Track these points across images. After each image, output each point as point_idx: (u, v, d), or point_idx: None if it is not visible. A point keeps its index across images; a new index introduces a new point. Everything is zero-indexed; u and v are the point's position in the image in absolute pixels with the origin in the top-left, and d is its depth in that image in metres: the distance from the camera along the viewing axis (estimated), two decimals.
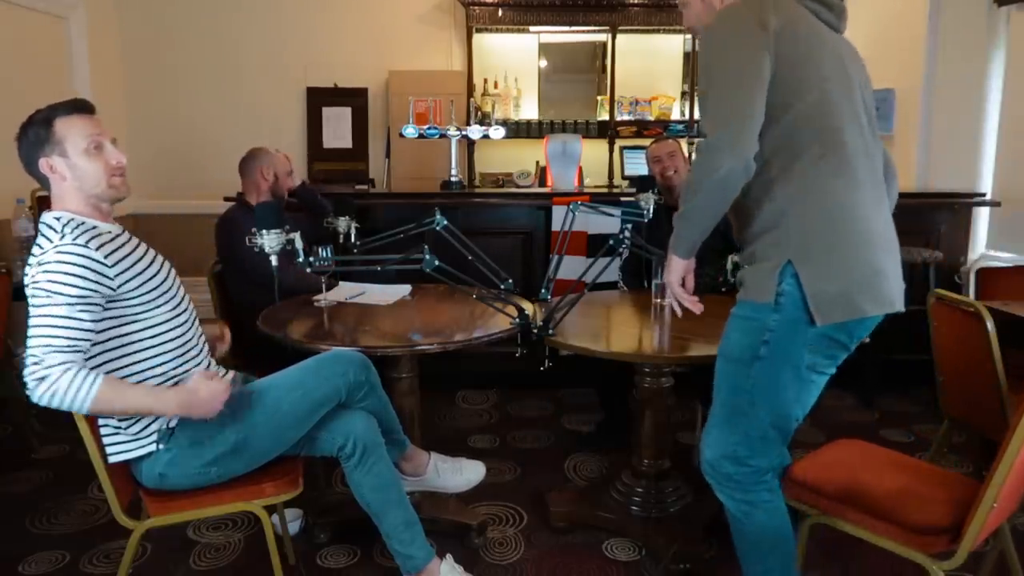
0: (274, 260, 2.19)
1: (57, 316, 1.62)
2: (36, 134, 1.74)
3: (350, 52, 5.40)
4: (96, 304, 1.68)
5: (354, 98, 5.41)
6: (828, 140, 1.67)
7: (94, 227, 1.76)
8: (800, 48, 1.67)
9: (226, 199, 3.23)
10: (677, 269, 1.82)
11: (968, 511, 1.60)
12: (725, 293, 2.45)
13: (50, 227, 1.73)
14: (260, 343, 2.28)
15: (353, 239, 2.80)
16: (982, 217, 4.13)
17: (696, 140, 1.70)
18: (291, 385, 1.91)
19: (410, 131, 3.89)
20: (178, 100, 5.38)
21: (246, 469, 1.88)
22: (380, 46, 5.41)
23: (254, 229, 2.19)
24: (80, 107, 1.79)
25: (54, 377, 1.60)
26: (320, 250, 2.36)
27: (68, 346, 1.62)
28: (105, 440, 1.81)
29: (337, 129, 5.43)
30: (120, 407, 1.70)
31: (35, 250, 1.72)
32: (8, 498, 2.78)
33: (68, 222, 1.73)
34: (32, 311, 1.65)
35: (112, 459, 1.81)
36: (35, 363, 1.61)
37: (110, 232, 1.80)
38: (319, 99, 5.42)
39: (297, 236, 2.22)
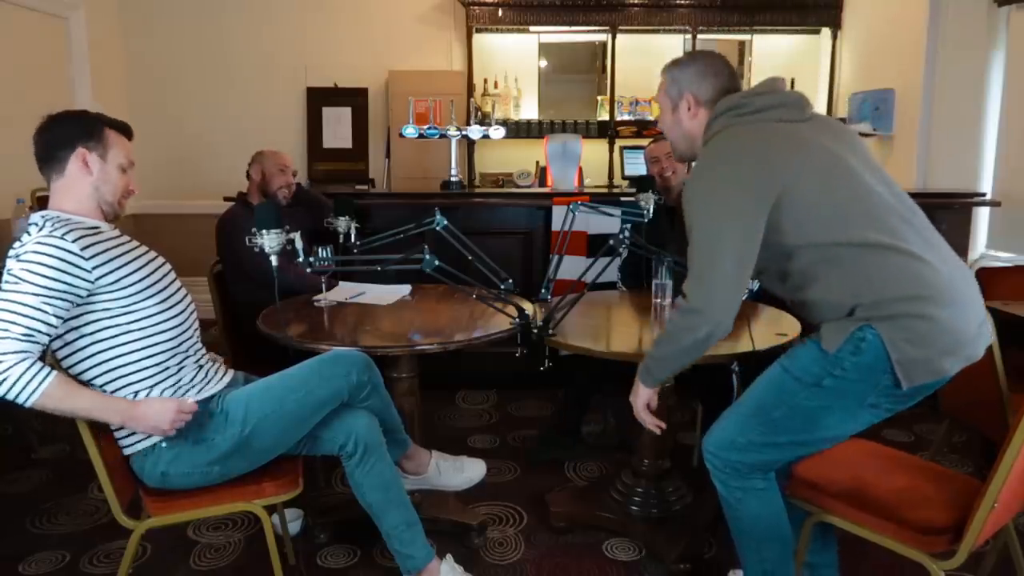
0: (274, 260, 2.19)
1: (21, 304, 1.62)
2: (88, 128, 1.81)
3: (350, 52, 5.40)
4: (65, 299, 1.67)
5: (354, 98, 5.41)
6: (862, 225, 1.64)
7: (80, 223, 1.77)
8: (794, 175, 1.65)
9: (226, 199, 3.23)
10: (643, 396, 1.89)
11: (969, 511, 1.60)
12: None
13: (34, 224, 1.75)
14: (260, 343, 2.27)
15: (353, 239, 2.79)
16: (982, 217, 4.13)
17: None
18: (294, 385, 1.91)
19: (410, 131, 3.89)
20: (178, 100, 5.39)
21: (248, 468, 1.89)
22: (380, 46, 5.41)
23: (254, 229, 2.19)
24: (128, 130, 1.90)
25: (7, 364, 1.59)
26: (320, 250, 2.36)
27: (24, 335, 1.62)
28: (118, 434, 1.82)
29: (337, 129, 5.43)
30: (66, 407, 1.67)
31: (15, 244, 1.73)
32: (8, 498, 2.78)
33: (52, 219, 1.75)
34: (0, 296, 1.65)
35: (127, 451, 1.82)
36: None
37: (99, 228, 1.82)
38: (319, 99, 5.42)
39: (297, 236, 2.22)
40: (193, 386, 1.88)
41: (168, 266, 1.97)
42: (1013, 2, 4.03)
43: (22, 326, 1.61)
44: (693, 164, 1.82)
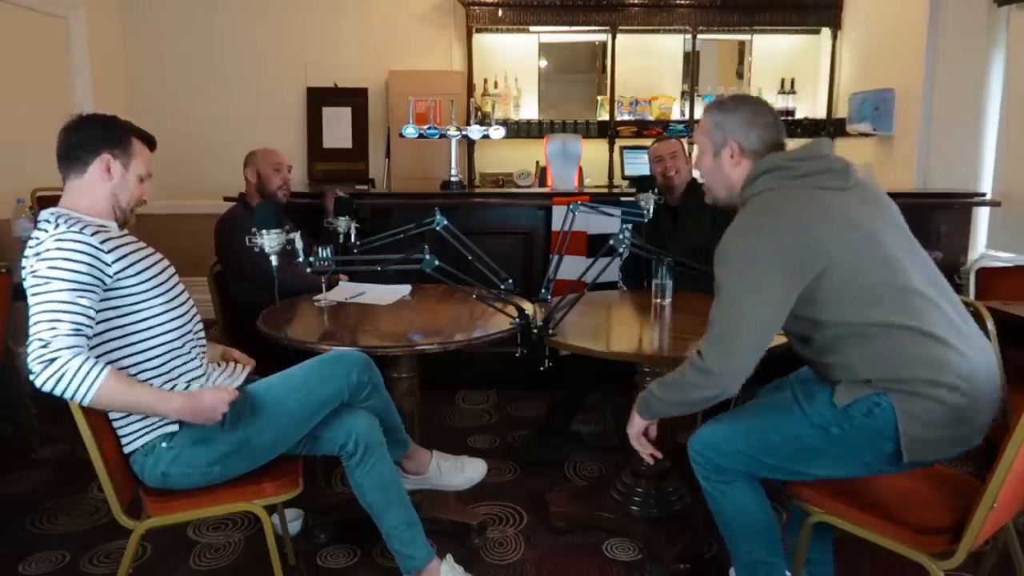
0: (274, 260, 2.19)
1: (58, 301, 1.63)
2: (116, 135, 1.84)
3: (350, 52, 5.40)
4: (94, 291, 1.69)
5: (354, 98, 5.41)
6: (894, 308, 1.64)
7: (91, 221, 1.79)
8: (833, 256, 1.63)
9: (226, 199, 3.23)
10: (639, 425, 1.91)
11: (968, 511, 1.60)
12: None
13: (45, 221, 1.75)
14: (260, 343, 2.27)
15: (353, 239, 2.80)
16: (982, 217, 4.13)
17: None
18: (295, 385, 1.91)
19: (410, 131, 3.89)
20: (178, 100, 5.39)
21: (248, 468, 1.89)
22: (380, 46, 5.41)
23: (254, 229, 2.19)
24: (153, 142, 1.94)
25: (63, 360, 1.58)
26: (320, 250, 2.36)
27: (74, 330, 1.62)
28: (121, 431, 1.82)
29: (337, 129, 5.43)
30: (123, 401, 1.69)
31: (31, 243, 1.74)
32: (8, 498, 2.78)
33: (62, 216, 1.75)
34: (32, 299, 1.65)
35: (128, 447, 1.83)
36: (42, 346, 1.59)
37: (109, 227, 1.83)
38: (319, 99, 5.42)
39: (297, 236, 2.22)
40: (192, 388, 1.87)
41: (172, 267, 1.97)
42: (1013, 2, 4.03)
43: (67, 322, 1.62)
44: (734, 219, 1.77)
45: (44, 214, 1.78)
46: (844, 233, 1.65)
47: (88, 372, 1.60)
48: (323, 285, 2.57)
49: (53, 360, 1.58)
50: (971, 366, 1.63)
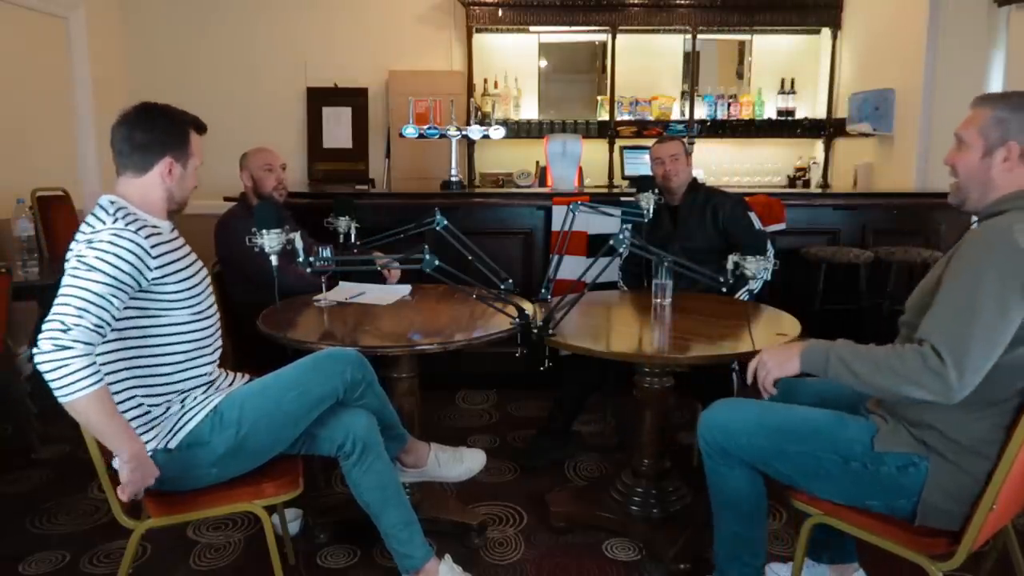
0: (274, 260, 2.19)
1: (94, 292, 1.62)
2: (178, 134, 1.85)
3: (350, 52, 5.40)
4: (127, 292, 1.70)
5: (354, 98, 5.41)
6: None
7: (146, 219, 1.81)
8: None
9: (226, 199, 3.23)
10: (790, 369, 1.71)
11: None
12: (725, 293, 2.45)
13: (103, 209, 1.77)
14: (260, 343, 2.27)
15: (353, 239, 2.80)
16: None
17: (924, 346, 1.56)
18: (289, 384, 1.91)
19: (410, 131, 3.89)
20: (178, 100, 5.28)
21: (246, 469, 1.88)
22: (380, 46, 5.41)
23: (254, 229, 2.18)
24: (203, 129, 1.94)
25: (73, 353, 1.56)
26: (320, 250, 2.36)
27: (96, 326, 1.60)
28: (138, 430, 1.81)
29: (337, 129, 5.43)
30: (93, 420, 1.62)
31: (84, 228, 1.75)
32: (8, 498, 2.78)
33: (121, 208, 1.77)
34: (68, 280, 1.63)
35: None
36: (61, 329, 1.56)
37: (160, 228, 1.85)
38: (319, 99, 5.42)
39: (297, 236, 2.22)
40: (196, 400, 1.87)
41: (206, 274, 1.99)
42: (1013, 2, 4.03)
43: (94, 315, 1.61)
44: (984, 220, 1.63)
45: (104, 201, 1.79)
46: None
47: (84, 377, 1.56)
48: (323, 285, 2.57)
49: (65, 348, 1.55)
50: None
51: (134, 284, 1.71)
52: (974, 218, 1.75)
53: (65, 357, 1.56)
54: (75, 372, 1.56)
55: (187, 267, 1.88)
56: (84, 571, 2.31)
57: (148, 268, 1.73)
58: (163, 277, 1.77)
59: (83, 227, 1.76)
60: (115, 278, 1.66)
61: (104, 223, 1.73)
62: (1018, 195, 1.62)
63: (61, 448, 3.17)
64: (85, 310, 1.60)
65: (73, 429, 1.74)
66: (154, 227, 1.81)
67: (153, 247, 1.75)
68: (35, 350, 1.57)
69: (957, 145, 1.71)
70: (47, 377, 1.56)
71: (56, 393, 1.58)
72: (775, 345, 1.78)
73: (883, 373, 1.58)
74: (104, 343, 1.69)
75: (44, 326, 1.58)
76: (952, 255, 1.64)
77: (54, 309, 1.60)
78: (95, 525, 2.57)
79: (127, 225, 1.72)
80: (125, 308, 1.72)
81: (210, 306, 1.95)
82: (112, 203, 1.79)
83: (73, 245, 1.74)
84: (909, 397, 1.57)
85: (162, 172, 1.84)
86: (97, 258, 1.66)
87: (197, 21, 5.34)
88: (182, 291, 1.82)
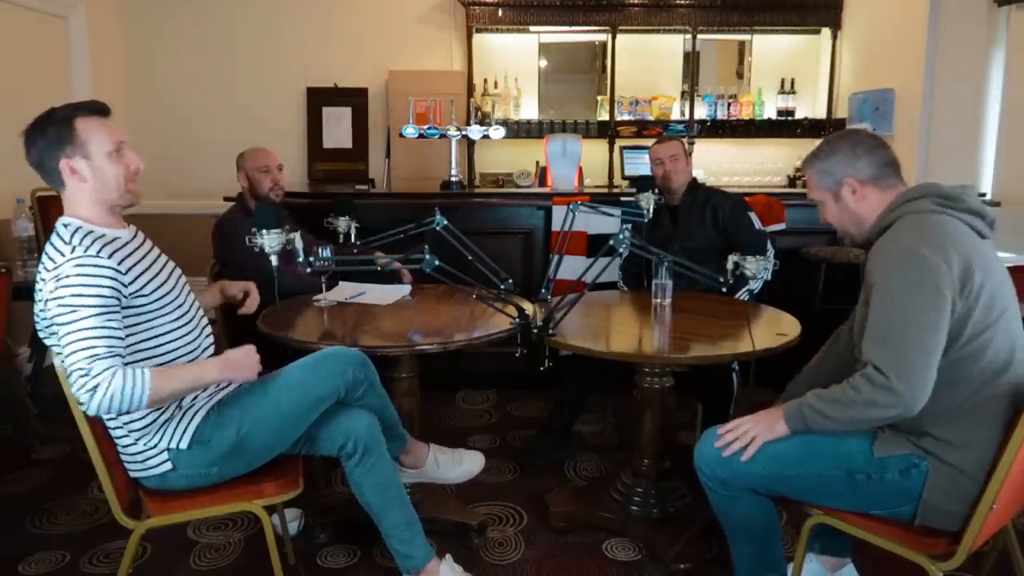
0: (274, 260, 2.19)
1: (88, 328, 1.61)
2: (58, 133, 1.71)
3: (350, 52, 5.40)
4: (118, 311, 1.68)
5: (354, 98, 5.41)
6: (999, 370, 1.63)
7: (103, 235, 1.74)
8: (978, 286, 1.60)
9: (226, 199, 3.23)
10: (778, 434, 1.74)
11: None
12: (725, 293, 2.45)
13: (59, 236, 1.70)
14: (260, 343, 2.27)
15: (353, 239, 2.79)
16: None
17: (868, 367, 1.63)
18: (290, 384, 1.91)
19: (410, 131, 3.89)
20: (178, 100, 5.39)
21: (247, 469, 1.88)
22: (380, 46, 5.41)
23: (253, 229, 2.18)
24: (100, 109, 1.78)
25: (107, 383, 1.58)
26: (320, 250, 2.36)
27: (108, 352, 1.62)
28: (128, 463, 1.84)
29: (337, 129, 5.43)
30: (173, 388, 1.70)
31: (46, 261, 1.69)
32: (8, 498, 2.78)
33: (77, 230, 1.71)
34: (62, 328, 1.62)
35: (135, 474, 1.85)
36: (82, 376, 1.59)
37: (120, 239, 1.79)
38: (319, 99, 5.42)
39: (297, 236, 2.22)
40: (198, 399, 1.87)
41: (179, 274, 1.95)
42: (1013, 2, 4.03)
43: (102, 346, 1.61)
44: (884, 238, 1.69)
45: (58, 225, 1.73)
46: (994, 277, 1.64)
47: (134, 383, 1.61)
48: (323, 285, 2.57)
49: (96, 387, 1.58)
50: None
51: (118, 301, 1.69)
52: None
53: (103, 393, 1.58)
54: (123, 389, 1.60)
55: (158, 273, 1.83)
56: (84, 571, 2.31)
57: (123, 284, 1.70)
58: (138, 290, 1.74)
59: (44, 260, 1.69)
60: (100, 306, 1.63)
61: (63, 254, 1.66)
62: (890, 208, 1.74)
63: (61, 448, 3.17)
64: (91, 348, 1.60)
65: (73, 429, 1.74)
66: (114, 239, 1.76)
67: (120, 263, 1.70)
68: (80, 406, 1.62)
69: (819, 207, 1.87)
70: (113, 412, 1.65)
71: (134, 411, 1.69)
72: (754, 416, 1.80)
73: (846, 407, 1.65)
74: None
75: (70, 380, 1.61)
76: (866, 277, 1.71)
77: (67, 361, 1.61)
78: (95, 525, 2.57)
79: (86, 251, 1.65)
80: None
81: (191, 305, 1.92)
82: (66, 226, 1.71)
83: (40, 282, 1.68)
84: (877, 419, 1.64)
85: (69, 176, 1.72)
86: (74, 296, 1.62)
87: (197, 21, 5.34)
88: (158, 299, 1.80)
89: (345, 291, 2.72)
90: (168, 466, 1.81)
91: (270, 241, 2.16)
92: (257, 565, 2.30)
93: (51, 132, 1.71)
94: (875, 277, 1.65)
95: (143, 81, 5.30)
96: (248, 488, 1.88)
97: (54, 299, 1.63)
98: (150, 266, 1.82)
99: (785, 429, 1.74)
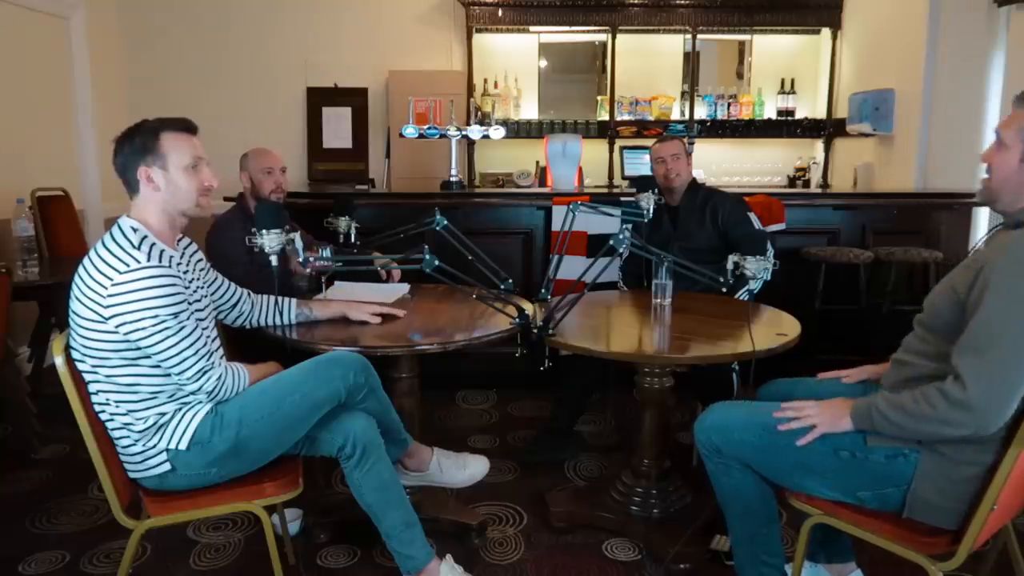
0: (274, 260, 2.19)
1: (179, 340, 1.74)
2: (143, 143, 1.81)
3: (350, 52, 5.40)
4: (187, 310, 1.77)
5: (354, 98, 5.41)
6: None
7: (163, 249, 1.81)
8: None
9: (226, 199, 3.22)
10: (843, 428, 1.70)
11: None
12: (725, 293, 2.45)
13: (128, 240, 1.76)
14: (259, 343, 2.27)
15: (353, 239, 2.79)
16: (982, 217, 4.13)
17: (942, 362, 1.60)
18: (291, 386, 1.90)
19: (410, 131, 3.89)
20: (178, 100, 5.38)
21: (246, 470, 1.88)
22: (380, 46, 5.41)
23: (253, 230, 2.18)
24: (187, 126, 1.88)
25: (215, 389, 1.82)
26: (320, 250, 2.35)
27: (205, 355, 1.79)
28: (127, 464, 1.85)
29: (337, 129, 5.43)
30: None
31: (110, 259, 1.72)
32: (8, 498, 2.78)
33: (145, 238, 1.78)
34: (156, 342, 1.72)
35: (134, 475, 1.86)
36: (196, 390, 1.81)
37: (174, 257, 1.85)
38: (319, 99, 5.42)
39: (297, 236, 2.22)
40: (199, 399, 1.87)
41: (211, 280, 2.08)
42: (1013, 2, 4.03)
43: (196, 355, 1.77)
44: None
45: (126, 227, 1.78)
46: None
47: (236, 380, 1.86)
48: (323, 285, 2.57)
49: (212, 392, 1.82)
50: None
51: (186, 299, 1.78)
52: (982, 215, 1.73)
53: (216, 391, 1.83)
54: (231, 388, 1.85)
55: (200, 288, 1.94)
56: (84, 571, 2.31)
57: (185, 287, 1.80)
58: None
59: (108, 256, 1.73)
60: (176, 314, 1.73)
61: (138, 261, 1.71)
62: None
63: (61, 448, 3.17)
64: (189, 359, 1.77)
65: (73, 429, 1.74)
66: (171, 256, 1.82)
67: (183, 274, 1.82)
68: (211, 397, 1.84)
69: (996, 143, 1.62)
70: (223, 395, 1.85)
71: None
72: (820, 403, 1.76)
73: (917, 421, 1.58)
74: (119, 366, 1.75)
75: (186, 387, 1.81)
76: (985, 264, 1.55)
77: (173, 369, 1.77)
78: (95, 525, 2.57)
79: (150, 261, 1.72)
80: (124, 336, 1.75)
81: (209, 317, 1.96)
82: (135, 231, 1.78)
83: (98, 274, 1.71)
84: (947, 436, 1.56)
85: (145, 185, 1.82)
86: (154, 310, 1.70)
87: (197, 21, 5.34)
88: (194, 312, 1.83)
89: (344, 291, 2.72)
90: (167, 467, 1.81)
91: (270, 241, 2.16)
92: (257, 565, 2.30)
93: (137, 141, 1.82)
94: (1000, 274, 1.48)
95: (143, 81, 5.30)
96: (248, 488, 1.88)
97: (136, 312, 1.69)
98: (193, 280, 1.92)
99: (850, 425, 1.69)
